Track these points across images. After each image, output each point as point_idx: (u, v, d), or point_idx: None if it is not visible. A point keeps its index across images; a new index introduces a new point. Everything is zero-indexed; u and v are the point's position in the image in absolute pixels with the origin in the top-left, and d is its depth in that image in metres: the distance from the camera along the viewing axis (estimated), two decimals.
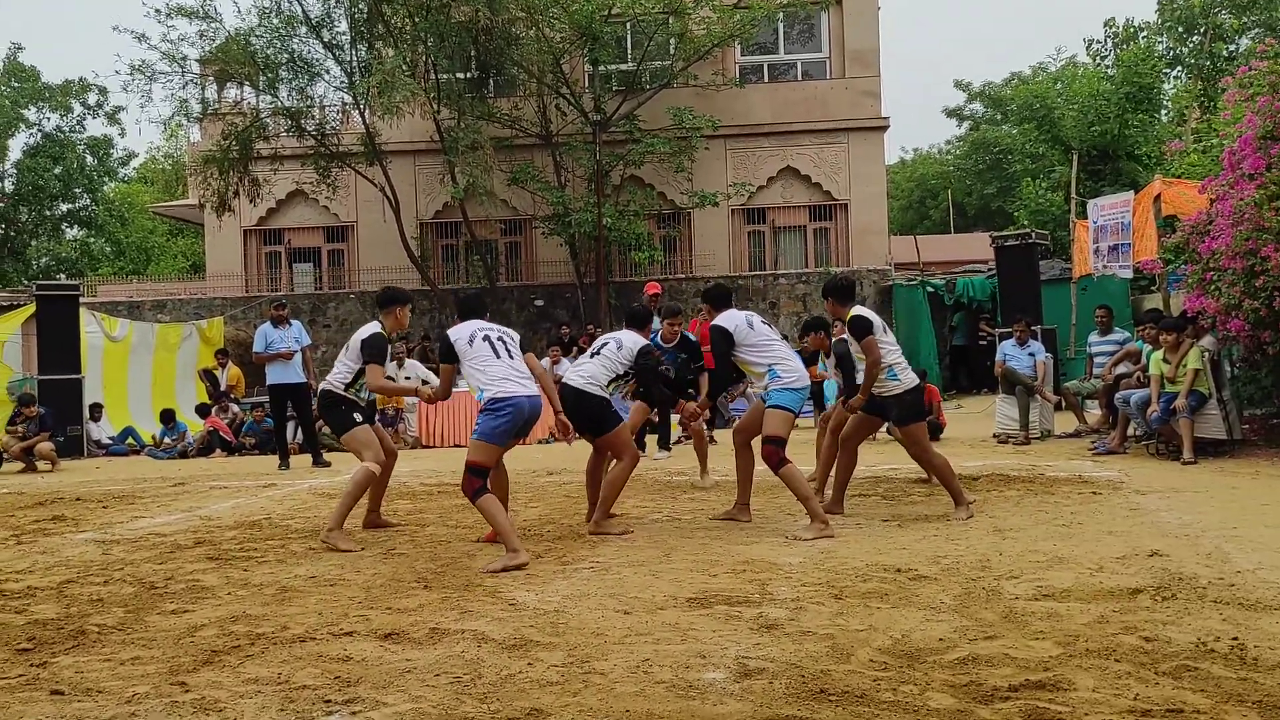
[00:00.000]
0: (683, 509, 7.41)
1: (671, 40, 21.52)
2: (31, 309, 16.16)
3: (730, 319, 6.59)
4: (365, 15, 20.58)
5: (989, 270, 19.78)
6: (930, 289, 20.59)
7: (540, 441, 14.14)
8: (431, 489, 9.10)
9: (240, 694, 3.37)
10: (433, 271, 23.09)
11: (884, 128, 23.62)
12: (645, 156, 21.07)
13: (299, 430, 13.35)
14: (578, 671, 3.52)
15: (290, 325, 12.05)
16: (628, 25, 22.00)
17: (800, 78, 24.15)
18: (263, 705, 3.25)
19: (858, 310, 6.68)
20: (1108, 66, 27.64)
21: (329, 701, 3.27)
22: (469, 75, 21.37)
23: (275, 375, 11.92)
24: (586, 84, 22.33)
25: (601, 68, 21.67)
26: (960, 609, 4.23)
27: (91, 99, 35.07)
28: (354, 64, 21.18)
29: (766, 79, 24.25)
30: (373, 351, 6.48)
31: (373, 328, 6.64)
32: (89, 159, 35.50)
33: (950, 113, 41.62)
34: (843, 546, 5.67)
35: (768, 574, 5.01)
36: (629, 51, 22.63)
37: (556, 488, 8.91)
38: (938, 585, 4.65)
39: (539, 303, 22.71)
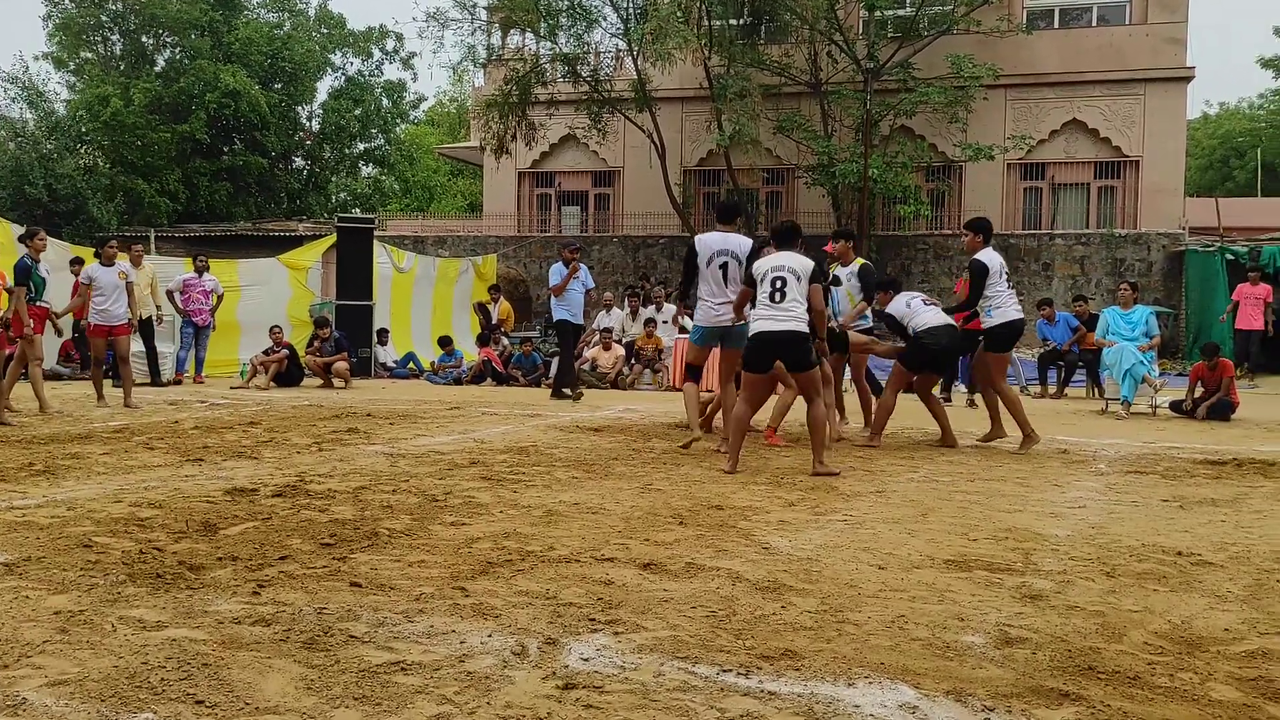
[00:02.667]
0: (940, 471, 7.23)
1: None
2: (332, 239, 17.67)
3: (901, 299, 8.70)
4: None
5: None
6: (1230, 256, 18.84)
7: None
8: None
9: (514, 604, 3.61)
10: (693, 218, 23.37)
11: (1188, 79, 21.69)
12: (918, 106, 20.36)
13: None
14: (831, 620, 3.54)
15: (580, 268, 12.65)
16: None
17: (1095, 23, 22.52)
18: (534, 616, 3.47)
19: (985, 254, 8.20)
20: None
21: (593, 620, 3.45)
22: (741, 22, 21.31)
23: (560, 312, 12.65)
24: (860, 30, 21.77)
25: (877, 13, 21.04)
26: (1250, 600, 3.91)
27: (389, 45, 37.53)
28: (630, 10, 21.60)
29: (1056, 24, 22.78)
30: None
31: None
32: (384, 101, 38.08)
33: (1266, 63, 37.59)
34: (1116, 524, 5.36)
35: (1031, 544, 4.82)
36: None
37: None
38: (1224, 573, 4.32)
39: None
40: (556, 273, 12.55)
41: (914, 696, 2.82)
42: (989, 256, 8.16)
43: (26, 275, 9.87)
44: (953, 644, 3.30)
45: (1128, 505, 5.92)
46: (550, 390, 13.10)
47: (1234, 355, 16.26)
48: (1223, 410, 10.95)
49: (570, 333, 12.93)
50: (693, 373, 8.37)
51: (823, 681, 2.93)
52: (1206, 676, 3.06)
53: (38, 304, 10.15)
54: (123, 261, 11.56)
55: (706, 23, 20.97)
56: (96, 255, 11.43)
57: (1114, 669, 3.10)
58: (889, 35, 21.17)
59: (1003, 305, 8.14)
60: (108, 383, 11.61)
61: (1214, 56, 57.97)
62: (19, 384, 10.00)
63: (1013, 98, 21.99)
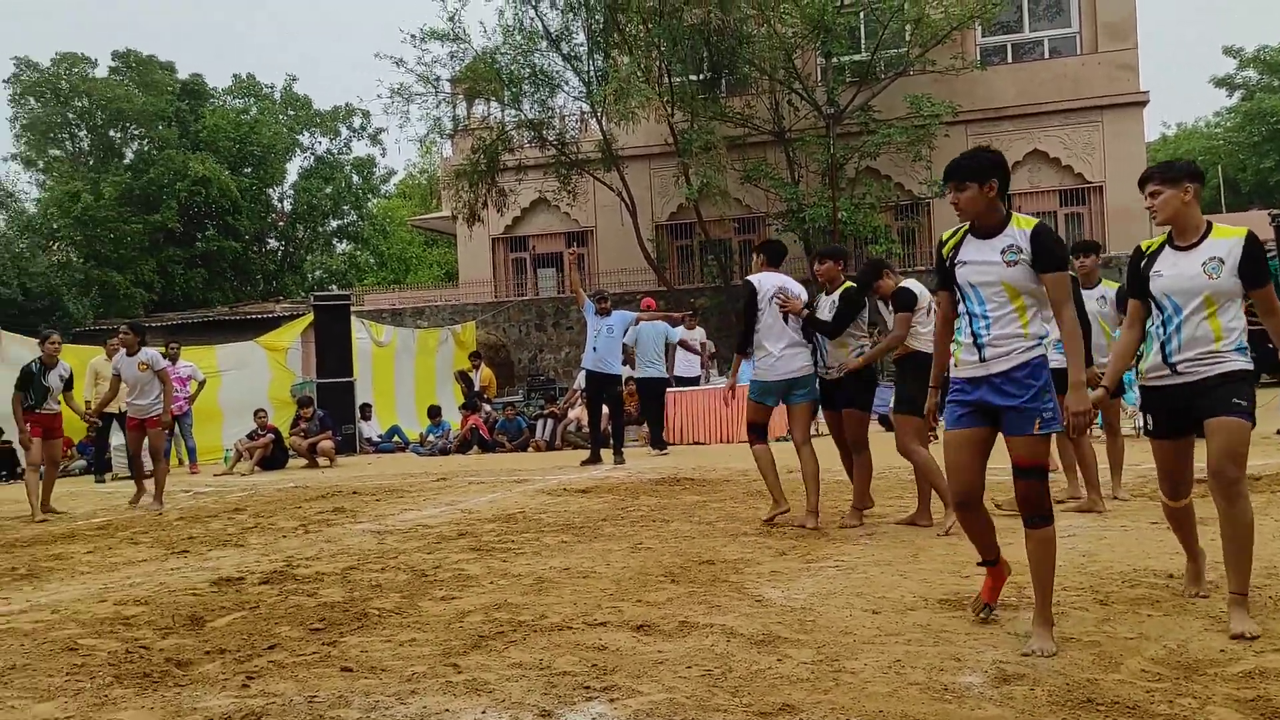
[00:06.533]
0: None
1: (907, 26, 20.99)
2: (310, 318, 17.66)
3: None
4: (601, 25, 21.25)
5: (1271, 251, 18.10)
6: None
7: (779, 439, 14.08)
8: (673, 485, 9.28)
9: (507, 677, 3.57)
10: (668, 272, 23.51)
11: (1143, 103, 22.10)
12: (881, 147, 20.64)
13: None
14: (828, 669, 3.51)
15: (610, 315, 11.83)
16: (860, 15, 21.64)
17: (1047, 55, 22.97)
18: (528, 688, 3.43)
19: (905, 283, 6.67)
20: None
21: (588, 688, 3.41)
22: (701, 77, 21.63)
23: (589, 362, 11.82)
24: (819, 77, 22.13)
25: (834, 60, 21.41)
26: None
27: (356, 122, 37.95)
28: (591, 73, 21.91)
29: (1010, 59, 23.22)
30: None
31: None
32: (355, 178, 38.42)
33: (1219, 82, 38.41)
34: (1107, 550, 5.36)
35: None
36: (862, 41, 22.23)
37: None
38: (1218, 593, 4.32)
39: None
40: (589, 309, 11.88)
41: None
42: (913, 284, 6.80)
43: (26, 382, 9.78)
44: (951, 686, 3.28)
45: (1117, 531, 5.93)
46: (614, 454, 11.88)
47: None
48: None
49: (599, 386, 11.87)
50: (756, 431, 7.00)
51: None
52: (1205, 701, 3.05)
53: (38, 411, 9.88)
54: (148, 351, 10.28)
55: (667, 80, 21.27)
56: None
57: (1113, 699, 3.08)
58: (847, 80, 21.53)
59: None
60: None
61: (1169, 78, 59.18)
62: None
63: (973, 132, 22.31)
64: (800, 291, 6.97)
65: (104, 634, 4.49)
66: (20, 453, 14.03)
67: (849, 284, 6.76)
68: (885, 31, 20.98)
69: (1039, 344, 3.85)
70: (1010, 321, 3.84)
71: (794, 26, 20.59)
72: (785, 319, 6.79)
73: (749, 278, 7.02)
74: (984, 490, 4.02)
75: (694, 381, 15.58)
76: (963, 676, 3.36)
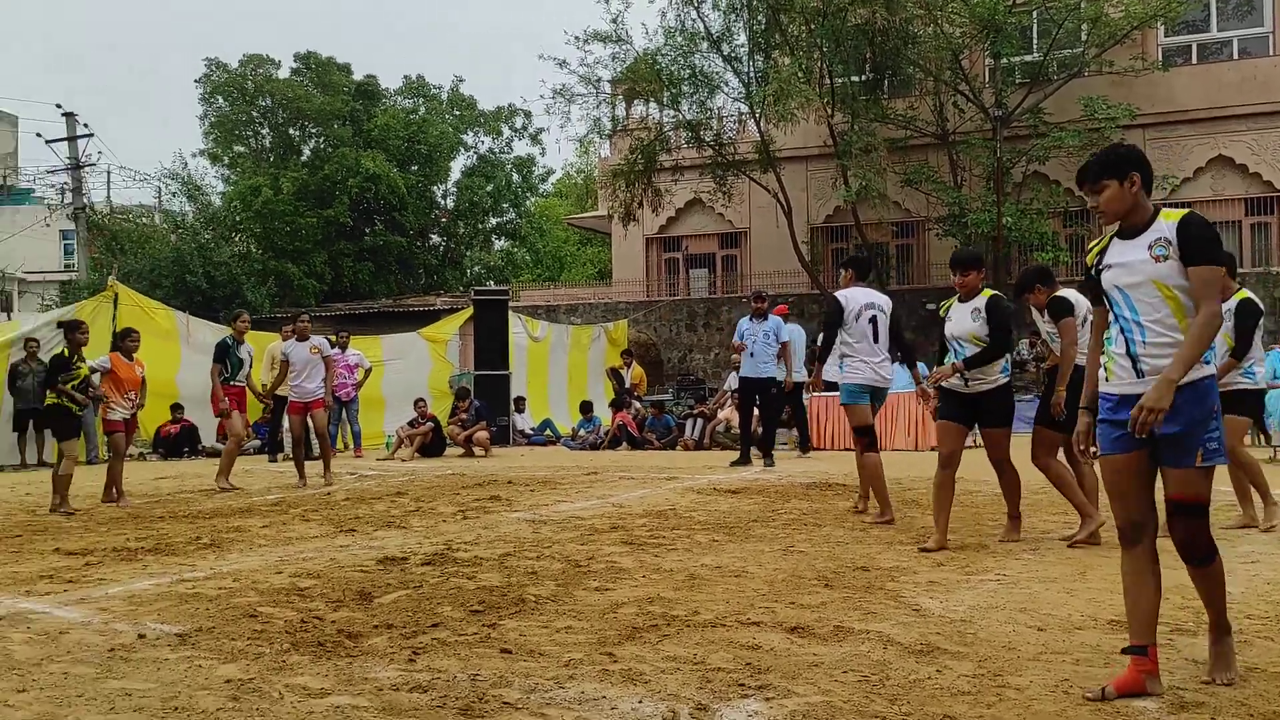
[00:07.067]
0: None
1: (1083, 26, 20.15)
2: (469, 312, 18.21)
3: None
4: (763, 26, 21.17)
5: None
6: None
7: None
8: (824, 490, 9.17)
9: (662, 669, 3.61)
10: (823, 276, 23.23)
11: None
12: (1051, 151, 19.88)
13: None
14: (991, 684, 3.42)
15: (766, 319, 11.72)
16: (1033, 14, 20.89)
17: (1236, 56, 21.67)
18: (683, 681, 3.46)
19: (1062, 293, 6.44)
20: None
21: (743, 685, 3.41)
22: (863, 78, 21.31)
23: (747, 368, 11.79)
24: (987, 78, 21.49)
25: (1004, 60, 20.75)
26: None
27: (518, 122, 38.83)
28: (751, 74, 21.85)
29: (1194, 60, 22.01)
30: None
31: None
32: (515, 177, 39.32)
33: None
34: None
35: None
36: (1034, 41, 21.47)
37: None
38: None
39: (930, 306, 22.09)
40: (738, 329, 11.89)
41: None
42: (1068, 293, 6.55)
43: (223, 355, 10.46)
44: (1124, 710, 3.15)
45: None
46: (764, 456, 11.90)
47: None
48: None
49: (754, 390, 11.88)
50: (867, 436, 7.36)
51: None
52: None
53: (233, 384, 10.55)
54: (316, 337, 11.03)
55: (828, 81, 21.04)
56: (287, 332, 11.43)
57: None
58: (1017, 81, 20.82)
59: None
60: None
61: None
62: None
63: (1152, 137, 21.25)
64: (886, 304, 7.40)
65: (280, 603, 4.74)
66: (201, 431, 14.98)
67: (990, 293, 6.35)
68: (1059, 31, 20.19)
69: (1203, 361, 3.37)
70: (1167, 327, 3.36)
71: (962, 26, 20.05)
72: (874, 335, 7.24)
73: (836, 294, 7.47)
74: (1156, 523, 3.50)
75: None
76: (1137, 700, 3.22)
